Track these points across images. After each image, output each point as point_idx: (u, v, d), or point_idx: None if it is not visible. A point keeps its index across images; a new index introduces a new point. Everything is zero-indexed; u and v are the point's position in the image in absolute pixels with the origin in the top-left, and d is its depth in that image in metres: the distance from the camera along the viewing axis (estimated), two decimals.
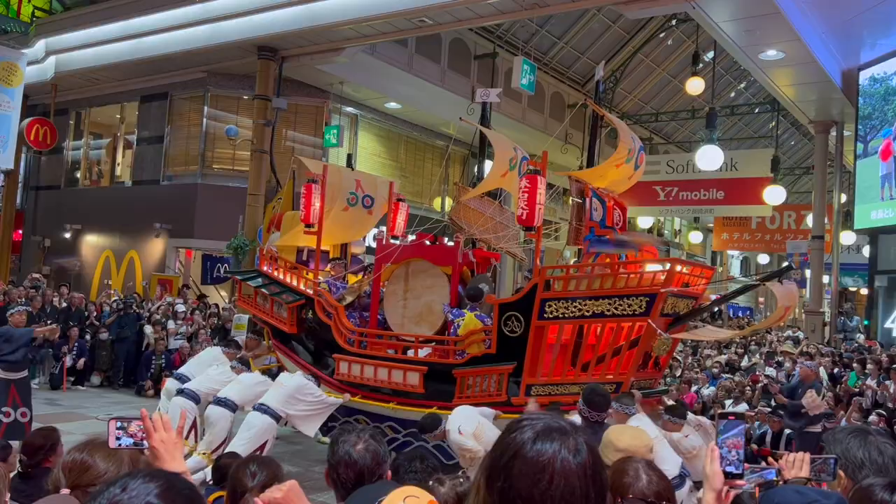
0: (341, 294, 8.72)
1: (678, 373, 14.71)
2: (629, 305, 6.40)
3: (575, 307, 6.60)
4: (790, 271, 6.16)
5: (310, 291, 8.66)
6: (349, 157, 15.27)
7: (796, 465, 2.20)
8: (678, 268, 6.50)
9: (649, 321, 6.29)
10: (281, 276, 9.09)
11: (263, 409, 7.02)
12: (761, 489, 2.24)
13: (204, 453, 7.11)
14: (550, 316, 6.69)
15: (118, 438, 1.95)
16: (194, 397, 7.61)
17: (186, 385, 7.77)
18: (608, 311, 6.47)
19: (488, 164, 15.99)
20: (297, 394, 7.17)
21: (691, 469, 5.21)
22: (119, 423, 1.96)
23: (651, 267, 6.51)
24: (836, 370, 12.42)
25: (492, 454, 1.39)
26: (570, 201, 7.28)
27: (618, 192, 7.73)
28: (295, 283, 8.91)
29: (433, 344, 7.72)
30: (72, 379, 13.05)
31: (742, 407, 11.31)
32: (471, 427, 5.70)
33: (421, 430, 6.09)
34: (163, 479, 1.32)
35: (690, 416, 6.54)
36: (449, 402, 6.93)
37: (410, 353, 7.81)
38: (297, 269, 9.12)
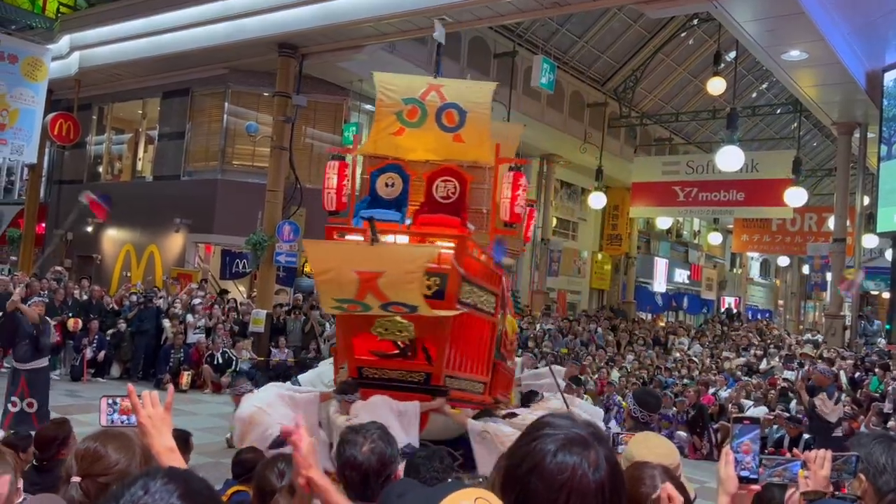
0: None
1: (695, 374, 14.64)
2: None
3: None
4: (375, 234, 4.82)
5: None
6: None
7: (817, 462, 2.18)
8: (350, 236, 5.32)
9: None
10: None
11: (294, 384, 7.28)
12: (806, 497, 2.17)
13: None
14: None
15: (110, 415, 2.00)
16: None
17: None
18: None
19: None
20: (321, 378, 7.44)
21: None
22: (110, 401, 2.01)
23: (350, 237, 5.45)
24: (856, 374, 12.30)
25: (510, 458, 1.37)
26: (360, 178, 6.56)
27: (483, 160, 6.22)
28: None
29: None
30: (92, 371, 13.22)
31: (761, 410, 11.23)
32: (248, 409, 5.43)
33: None
34: (181, 479, 1.32)
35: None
36: None
37: None
38: None
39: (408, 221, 5.86)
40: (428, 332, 5.32)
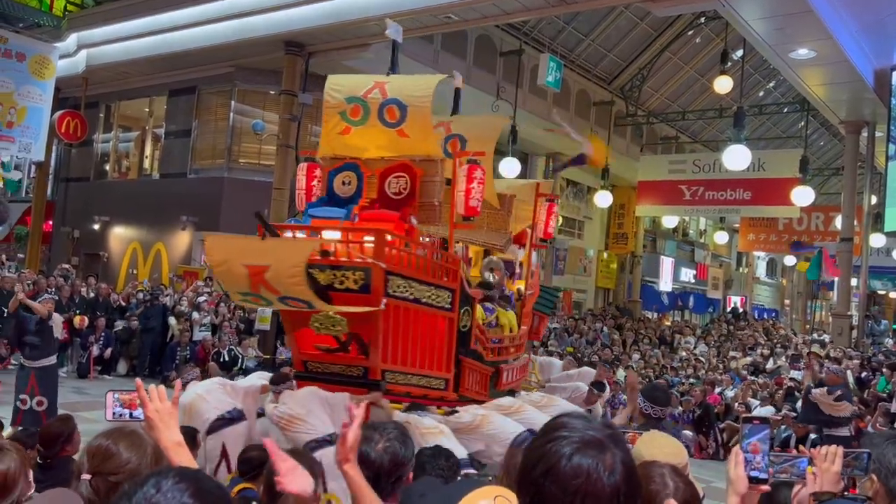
0: None
1: (701, 373, 14.61)
2: None
3: None
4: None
5: None
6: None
7: (828, 458, 2.16)
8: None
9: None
10: None
11: None
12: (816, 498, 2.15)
13: None
14: None
15: (115, 410, 2.01)
16: None
17: None
18: None
19: (507, 161, 15.91)
20: None
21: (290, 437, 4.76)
22: (116, 395, 2.02)
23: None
24: (863, 374, 12.26)
25: (525, 460, 1.36)
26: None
27: (431, 153, 6.17)
28: None
29: None
30: (98, 368, 13.27)
31: (768, 410, 11.21)
32: (189, 397, 5.38)
33: None
34: (192, 478, 1.33)
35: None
36: None
37: None
38: None
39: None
40: (360, 326, 5.26)
